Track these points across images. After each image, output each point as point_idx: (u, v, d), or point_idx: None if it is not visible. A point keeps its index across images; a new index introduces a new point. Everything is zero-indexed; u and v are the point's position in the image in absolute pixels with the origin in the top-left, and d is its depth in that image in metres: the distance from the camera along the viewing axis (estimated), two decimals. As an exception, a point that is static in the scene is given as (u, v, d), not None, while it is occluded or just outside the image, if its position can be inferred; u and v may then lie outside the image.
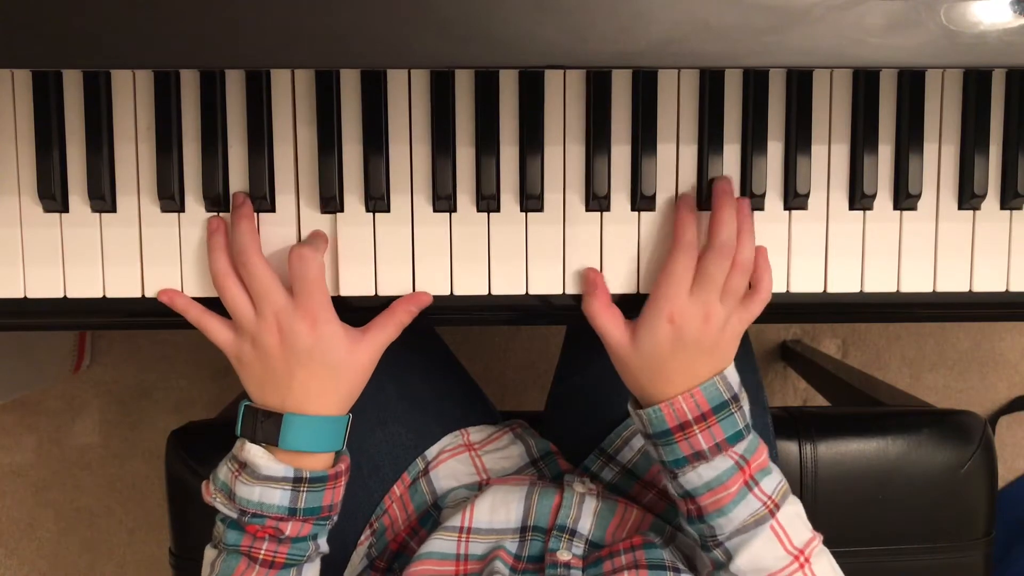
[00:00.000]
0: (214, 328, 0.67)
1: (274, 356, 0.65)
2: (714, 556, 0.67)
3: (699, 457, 0.65)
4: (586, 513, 0.74)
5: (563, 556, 0.70)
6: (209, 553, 0.69)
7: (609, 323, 0.68)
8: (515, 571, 0.70)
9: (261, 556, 0.66)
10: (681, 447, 0.65)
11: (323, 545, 0.70)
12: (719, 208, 0.68)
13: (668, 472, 0.67)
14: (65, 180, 0.69)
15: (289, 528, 0.66)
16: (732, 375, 0.67)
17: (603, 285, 0.69)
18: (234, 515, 0.66)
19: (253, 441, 0.66)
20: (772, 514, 0.65)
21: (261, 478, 0.65)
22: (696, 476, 0.65)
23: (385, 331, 0.68)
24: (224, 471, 0.67)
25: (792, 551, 0.65)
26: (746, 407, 0.67)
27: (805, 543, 0.66)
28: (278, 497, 0.65)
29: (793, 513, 0.67)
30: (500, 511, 0.74)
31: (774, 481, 0.67)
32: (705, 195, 0.70)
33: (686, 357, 0.65)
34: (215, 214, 0.69)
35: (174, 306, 0.69)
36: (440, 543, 0.72)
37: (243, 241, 0.66)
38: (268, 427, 0.65)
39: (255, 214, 0.69)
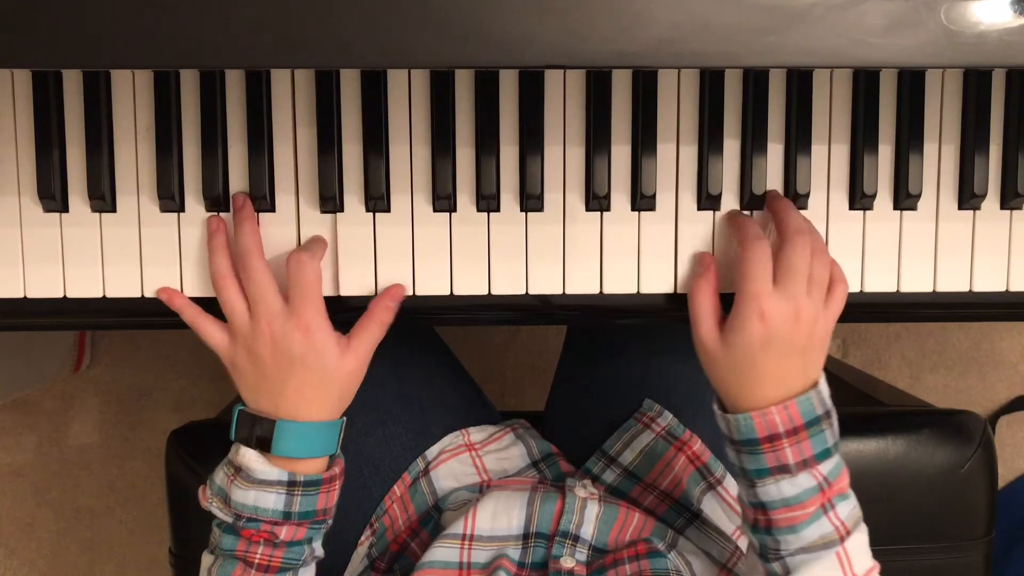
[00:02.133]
0: (209, 330, 0.67)
1: (267, 363, 0.65)
2: (771, 568, 0.66)
3: (783, 471, 0.63)
4: (589, 518, 0.74)
5: (567, 563, 0.70)
6: (206, 559, 0.69)
7: (705, 311, 0.66)
8: None
9: (257, 560, 0.66)
10: (767, 459, 0.63)
11: (318, 549, 0.70)
12: (779, 206, 0.67)
13: (746, 480, 0.65)
14: (65, 180, 0.69)
15: (284, 532, 0.66)
16: (825, 389, 0.65)
17: (714, 270, 0.68)
18: (230, 519, 0.66)
19: (247, 445, 0.66)
20: (842, 540, 0.63)
21: (256, 482, 0.65)
22: (776, 490, 0.63)
23: (370, 333, 0.68)
24: (220, 476, 0.67)
25: None
26: (836, 424, 0.65)
27: (866, 572, 0.64)
28: (272, 501, 0.65)
29: (860, 542, 0.65)
30: (502, 517, 0.74)
31: (849, 506, 0.65)
32: (705, 195, 0.70)
33: (777, 357, 0.63)
34: (215, 214, 0.69)
35: (172, 304, 0.69)
36: (443, 551, 0.72)
37: (246, 243, 0.66)
38: (261, 432, 0.65)
39: (255, 214, 0.69)
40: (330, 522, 0.70)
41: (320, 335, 0.65)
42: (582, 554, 0.72)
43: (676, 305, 0.71)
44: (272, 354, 0.65)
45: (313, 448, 0.67)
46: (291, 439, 0.65)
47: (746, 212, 0.71)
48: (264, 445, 0.65)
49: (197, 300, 0.69)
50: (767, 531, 0.65)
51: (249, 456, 0.65)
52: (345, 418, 0.69)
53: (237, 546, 0.66)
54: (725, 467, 0.85)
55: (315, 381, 0.66)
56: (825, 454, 0.64)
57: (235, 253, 0.67)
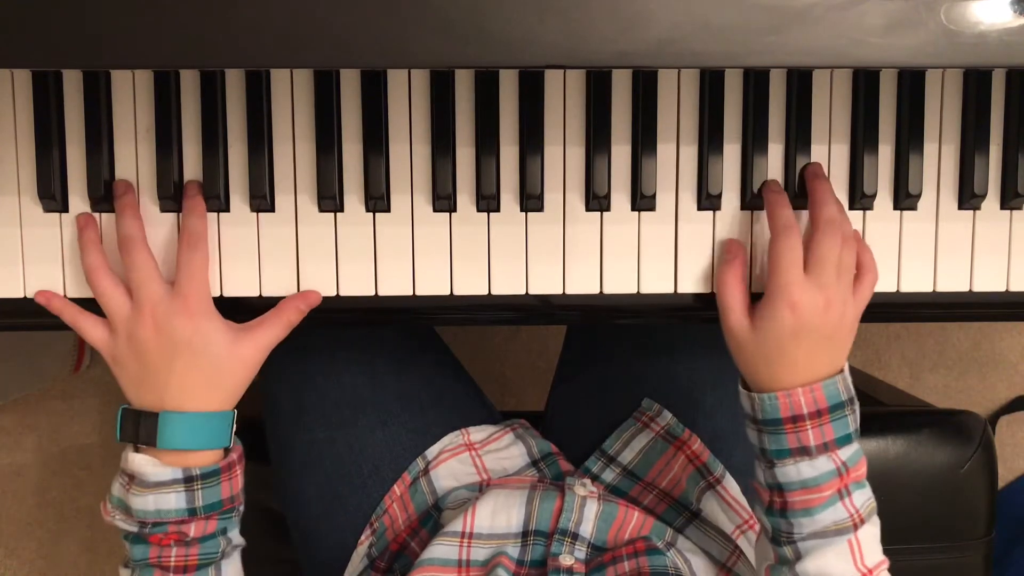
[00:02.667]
0: (88, 326, 0.65)
1: (150, 350, 0.63)
2: (782, 552, 0.66)
3: (804, 453, 0.64)
4: (588, 516, 0.74)
5: (566, 561, 0.70)
6: (123, 574, 0.67)
7: (734, 298, 0.66)
8: None
9: (172, 563, 0.64)
10: (788, 439, 0.64)
11: (236, 538, 0.68)
12: (816, 188, 0.67)
13: (765, 461, 0.66)
14: (65, 180, 0.69)
15: (193, 529, 0.64)
16: (849, 376, 0.66)
17: (743, 257, 0.68)
18: (135, 529, 0.64)
19: (136, 447, 0.64)
20: (855, 528, 0.64)
21: (151, 485, 0.63)
22: (795, 471, 0.64)
23: (272, 330, 0.66)
24: (116, 487, 0.65)
25: (862, 568, 0.64)
26: (858, 412, 0.66)
27: (875, 564, 0.65)
28: (174, 501, 0.63)
29: (872, 533, 0.66)
30: (501, 516, 0.74)
31: (865, 496, 0.66)
32: (705, 195, 0.70)
33: (809, 345, 0.64)
34: (86, 212, 0.68)
35: (50, 307, 0.67)
36: (442, 549, 0.72)
37: (129, 230, 0.65)
38: (146, 428, 0.63)
39: (257, 214, 0.69)
40: (241, 508, 0.68)
41: (205, 320, 0.64)
42: (581, 552, 0.72)
43: (676, 305, 0.71)
44: (155, 339, 0.63)
45: (202, 439, 0.64)
46: (177, 430, 0.63)
47: (779, 186, 0.70)
48: (150, 441, 0.63)
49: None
50: (782, 513, 0.65)
51: (138, 460, 0.63)
52: (236, 410, 0.67)
53: (149, 554, 0.64)
54: (724, 465, 0.85)
55: (201, 368, 0.64)
56: (846, 439, 0.64)
57: (118, 240, 0.65)
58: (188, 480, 0.64)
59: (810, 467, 0.64)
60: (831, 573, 0.64)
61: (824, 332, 0.64)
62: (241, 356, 0.65)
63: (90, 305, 0.68)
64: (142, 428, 0.63)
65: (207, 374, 0.64)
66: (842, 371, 0.66)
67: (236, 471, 0.67)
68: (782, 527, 0.66)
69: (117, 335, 0.65)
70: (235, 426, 0.67)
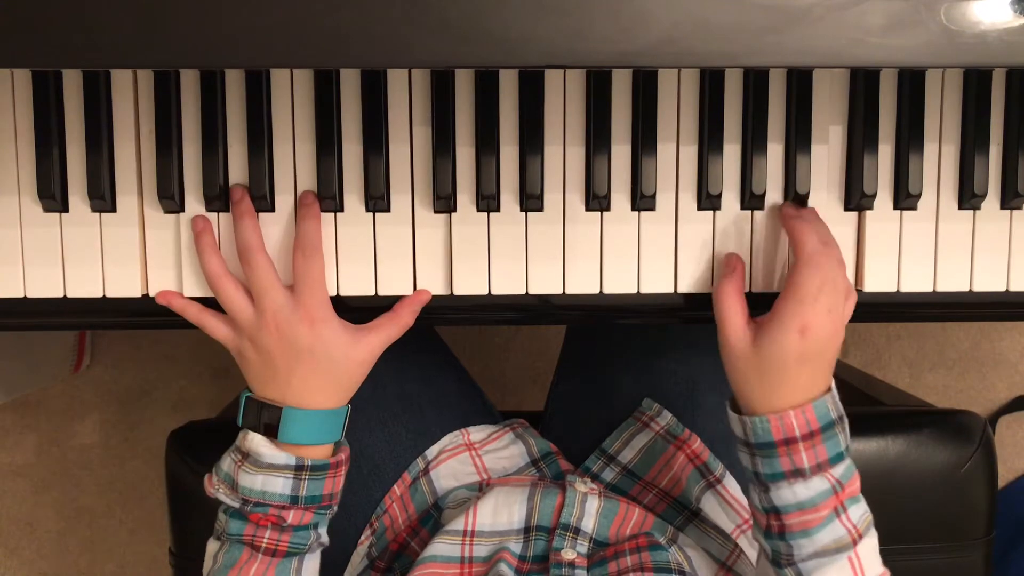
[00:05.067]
0: (213, 325, 0.68)
1: (274, 354, 0.66)
2: (784, 574, 0.66)
3: (798, 475, 0.63)
4: (589, 512, 0.74)
5: (567, 555, 0.70)
6: (211, 546, 0.70)
7: (733, 313, 0.65)
8: (520, 572, 0.70)
9: (264, 545, 0.67)
10: (782, 462, 0.63)
11: (323, 536, 0.71)
12: (794, 228, 0.66)
13: (760, 484, 0.65)
14: (65, 180, 0.69)
15: (291, 516, 0.67)
16: (836, 392, 0.66)
17: (742, 271, 0.68)
18: (237, 504, 0.67)
19: (255, 431, 0.66)
20: (854, 544, 0.64)
21: (264, 466, 0.65)
22: (791, 493, 0.63)
23: (387, 332, 0.69)
24: (227, 462, 0.68)
25: None
26: (847, 428, 0.66)
27: None
28: (280, 485, 0.66)
29: (871, 546, 0.65)
30: (503, 512, 0.74)
31: (860, 510, 0.65)
32: (705, 195, 0.70)
33: (810, 369, 0.63)
34: (201, 214, 0.69)
35: (171, 307, 0.69)
36: (443, 547, 0.72)
37: (248, 238, 0.67)
38: (268, 419, 0.66)
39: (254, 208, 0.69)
40: (335, 508, 0.71)
41: (326, 326, 0.66)
42: (583, 546, 0.72)
43: (676, 305, 0.71)
44: (278, 345, 0.66)
45: (319, 435, 0.67)
46: (297, 426, 0.66)
47: (795, 210, 0.69)
48: (271, 432, 0.66)
49: (199, 299, 0.69)
50: (780, 536, 0.65)
51: (257, 441, 0.66)
52: (350, 406, 0.70)
53: (244, 531, 0.67)
54: (724, 464, 0.85)
55: (321, 371, 0.66)
56: (838, 457, 0.64)
57: (238, 248, 0.67)
58: (299, 468, 0.66)
59: (805, 488, 0.63)
60: None
61: (826, 356, 0.64)
62: (358, 358, 0.68)
63: (90, 305, 0.68)
64: (264, 418, 0.67)
65: (326, 376, 0.67)
66: (830, 390, 0.65)
67: (341, 471, 0.69)
68: (782, 550, 0.65)
69: (241, 335, 0.67)
70: (347, 422, 0.70)
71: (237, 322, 0.67)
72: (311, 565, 0.70)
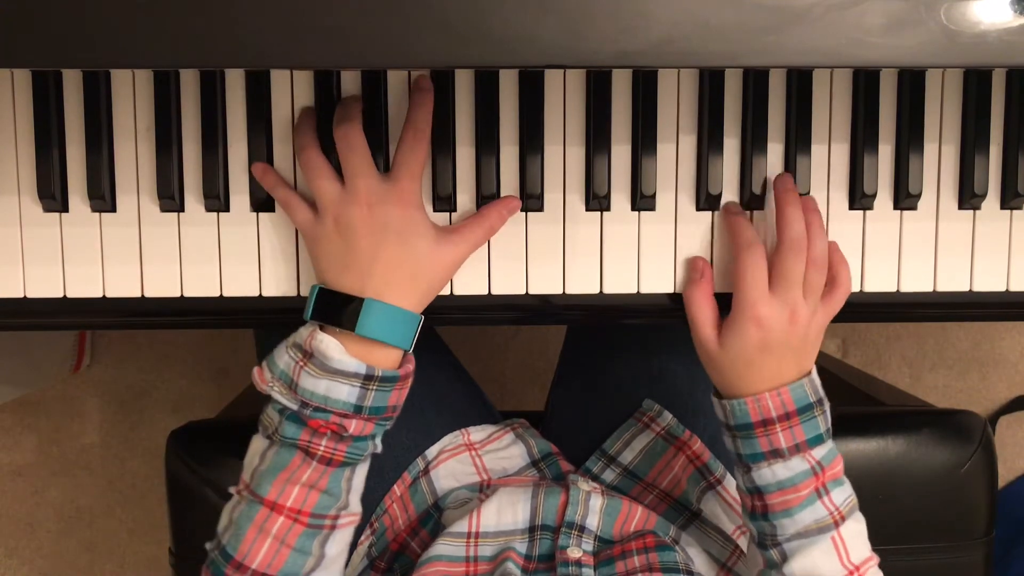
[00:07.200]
0: (295, 204, 0.66)
1: (359, 233, 0.63)
2: (769, 555, 0.67)
3: (776, 455, 0.65)
4: (593, 509, 0.74)
5: (574, 553, 0.70)
6: (258, 443, 0.65)
7: (703, 316, 0.68)
8: (526, 571, 0.70)
9: (320, 453, 0.63)
10: (760, 443, 0.65)
11: (379, 445, 0.68)
12: (784, 205, 0.67)
13: (742, 466, 0.67)
14: (65, 180, 0.69)
15: (353, 426, 0.63)
16: (817, 379, 0.67)
17: (709, 276, 0.70)
18: (294, 407, 0.63)
19: (327, 323, 0.63)
20: (836, 525, 0.65)
21: (331, 371, 0.62)
22: (770, 473, 0.65)
23: (474, 234, 0.67)
24: (285, 359, 0.63)
25: (848, 566, 0.65)
26: (829, 413, 0.67)
27: (862, 560, 0.66)
28: (345, 393, 0.62)
29: (856, 530, 0.67)
30: (507, 512, 0.74)
31: (844, 494, 0.67)
32: (705, 195, 0.70)
33: (774, 358, 0.65)
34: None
35: (264, 182, 0.68)
36: (447, 547, 0.72)
37: (350, 113, 0.65)
38: (347, 310, 0.62)
39: (257, 213, 0.69)
40: (394, 419, 0.67)
41: (419, 212, 0.64)
42: (588, 544, 0.72)
43: (676, 305, 0.71)
44: (366, 224, 0.63)
45: (396, 333, 0.63)
46: (378, 319, 0.62)
47: (738, 207, 0.70)
48: (346, 325, 0.62)
49: (200, 304, 0.69)
50: (764, 516, 0.67)
51: (328, 343, 0.62)
52: (423, 316, 0.66)
53: (301, 435, 0.63)
54: (725, 465, 0.85)
55: (405, 260, 0.63)
56: (817, 439, 0.66)
57: (336, 122, 0.65)
58: (368, 378, 0.63)
59: (784, 468, 0.65)
60: (819, 571, 0.65)
61: (791, 344, 0.66)
62: (442, 257, 0.65)
63: (89, 305, 0.68)
64: (341, 310, 0.62)
65: (410, 268, 0.64)
66: (809, 374, 0.67)
67: (407, 383, 0.66)
68: (766, 530, 0.67)
69: (324, 215, 0.64)
70: (418, 333, 0.66)
71: (323, 197, 0.64)
72: (362, 473, 0.68)
